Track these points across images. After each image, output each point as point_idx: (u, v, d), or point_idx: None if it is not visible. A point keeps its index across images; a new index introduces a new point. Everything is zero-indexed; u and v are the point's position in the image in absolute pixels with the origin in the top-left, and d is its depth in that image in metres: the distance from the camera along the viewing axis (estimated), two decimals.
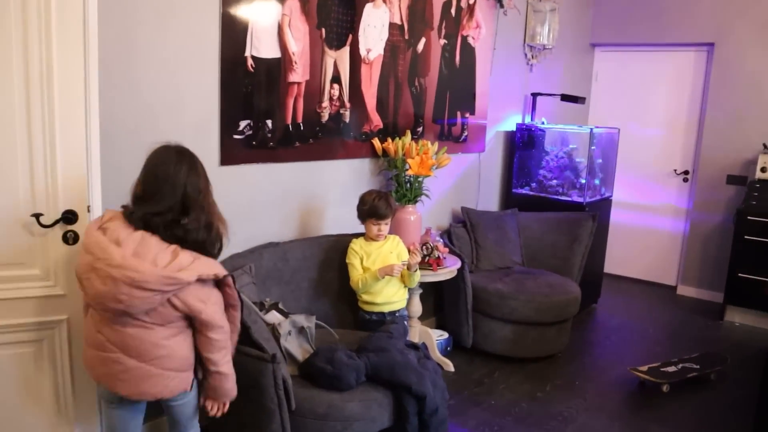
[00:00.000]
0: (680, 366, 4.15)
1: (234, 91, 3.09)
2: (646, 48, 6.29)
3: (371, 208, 3.28)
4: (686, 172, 6.19)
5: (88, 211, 2.20)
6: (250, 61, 3.12)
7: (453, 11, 4.44)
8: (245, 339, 2.38)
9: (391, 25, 3.91)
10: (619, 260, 6.42)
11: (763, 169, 5.36)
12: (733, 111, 5.72)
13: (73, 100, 2.17)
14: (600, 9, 6.38)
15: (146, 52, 2.71)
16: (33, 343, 2.24)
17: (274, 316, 2.77)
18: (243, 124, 3.16)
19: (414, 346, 2.92)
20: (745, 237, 5.18)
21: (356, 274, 3.28)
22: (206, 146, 3.02)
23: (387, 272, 3.21)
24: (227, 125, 3.08)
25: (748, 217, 5.15)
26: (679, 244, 6.28)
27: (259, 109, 3.23)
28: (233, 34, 3.02)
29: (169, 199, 1.99)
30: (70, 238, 2.15)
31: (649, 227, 6.43)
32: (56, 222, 2.14)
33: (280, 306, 2.87)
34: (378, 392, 2.61)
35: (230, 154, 3.12)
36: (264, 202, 3.37)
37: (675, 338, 4.95)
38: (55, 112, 2.13)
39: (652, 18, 6.09)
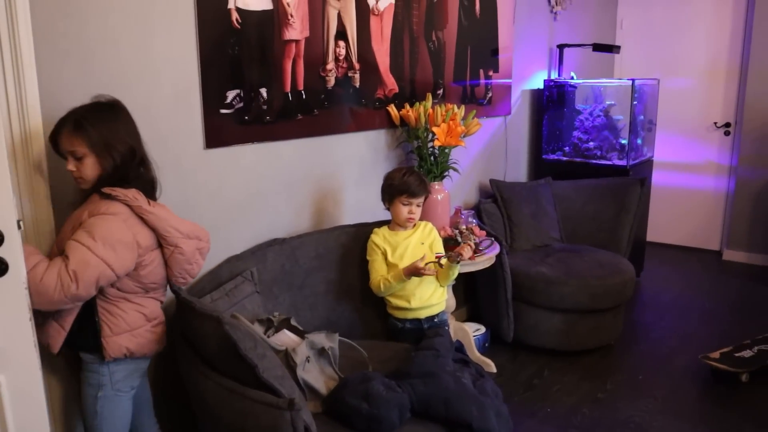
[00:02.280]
0: (756, 349, 3.56)
1: (217, 54, 2.45)
2: None
3: (401, 184, 2.67)
4: (728, 125, 5.55)
5: (19, 227, 1.54)
6: (235, 15, 2.48)
7: None
8: (251, 380, 1.78)
9: None
10: (659, 226, 5.78)
11: None
12: None
13: None
14: None
15: (100, 6, 2.06)
16: None
17: (286, 337, 2.17)
18: (231, 94, 2.52)
19: (464, 361, 2.33)
20: None
21: (377, 275, 2.68)
22: (186, 125, 2.39)
23: (413, 271, 2.57)
24: (211, 97, 2.45)
25: None
26: (723, 204, 5.67)
27: (251, 75, 2.59)
28: None
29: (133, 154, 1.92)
30: None
31: (688, 188, 5.81)
32: None
33: (293, 322, 2.27)
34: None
35: (218, 134, 2.49)
36: (264, 191, 2.75)
37: (735, 313, 4.37)
38: None
39: None
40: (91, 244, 1.74)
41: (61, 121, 1.84)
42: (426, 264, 2.55)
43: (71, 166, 1.84)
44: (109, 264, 1.76)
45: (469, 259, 3.00)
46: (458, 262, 2.68)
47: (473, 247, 2.71)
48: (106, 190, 1.82)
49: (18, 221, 1.53)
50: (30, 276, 1.65)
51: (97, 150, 1.83)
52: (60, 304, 1.74)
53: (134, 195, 1.85)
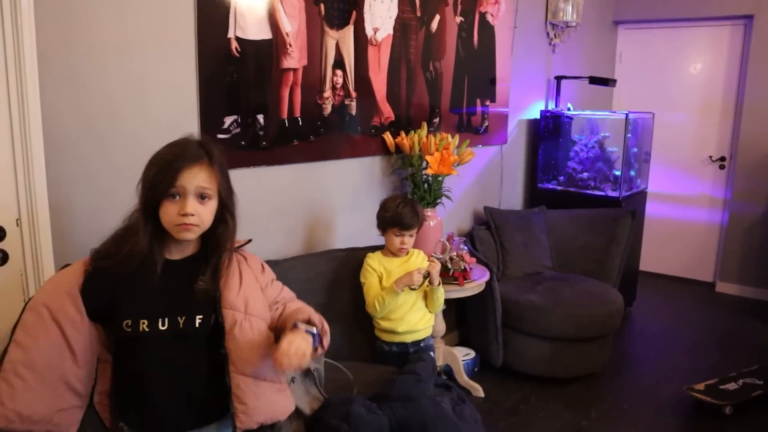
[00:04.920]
0: (741, 382, 3.61)
1: (216, 81, 2.54)
2: (673, 24, 5.72)
3: (394, 216, 2.75)
4: (723, 159, 5.63)
5: (17, 225, 1.75)
6: (234, 44, 2.58)
7: None
8: None
9: (401, 0, 3.37)
10: (652, 256, 5.84)
11: None
12: None
13: None
14: None
15: (98, 35, 2.16)
16: None
17: None
18: (229, 120, 2.62)
19: (446, 386, 2.39)
20: None
21: (372, 296, 2.75)
22: None
23: (407, 282, 2.66)
24: (209, 122, 2.54)
25: None
26: (716, 237, 5.73)
27: (248, 102, 2.68)
28: (212, 10, 2.47)
29: None
30: None
31: (682, 220, 5.87)
32: None
33: None
34: None
35: None
36: (259, 214, 2.83)
37: (725, 345, 4.41)
38: None
39: None
40: None
41: (184, 151, 1.50)
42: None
43: (191, 208, 1.49)
44: None
45: (457, 284, 3.09)
46: (439, 284, 2.77)
47: (437, 262, 2.79)
48: (234, 243, 1.77)
49: (16, 219, 1.65)
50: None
51: (222, 192, 1.59)
52: None
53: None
